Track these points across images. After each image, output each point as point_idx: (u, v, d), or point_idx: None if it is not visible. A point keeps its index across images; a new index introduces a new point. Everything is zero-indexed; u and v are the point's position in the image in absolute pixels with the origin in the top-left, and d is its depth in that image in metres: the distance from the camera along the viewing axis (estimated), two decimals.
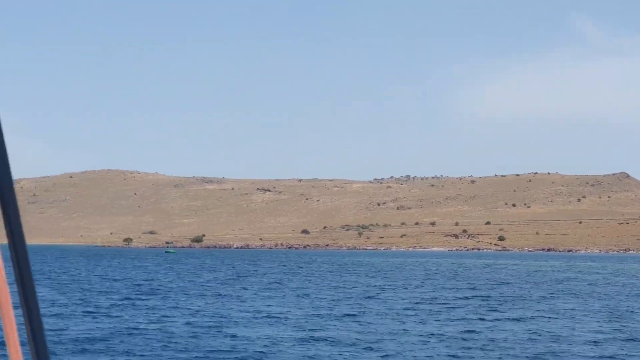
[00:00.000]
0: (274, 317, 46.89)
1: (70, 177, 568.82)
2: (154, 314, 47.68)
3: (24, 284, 2.12)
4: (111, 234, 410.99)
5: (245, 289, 71.61)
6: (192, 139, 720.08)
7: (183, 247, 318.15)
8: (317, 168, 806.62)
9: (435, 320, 46.36)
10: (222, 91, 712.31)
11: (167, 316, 46.52)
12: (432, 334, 39.83)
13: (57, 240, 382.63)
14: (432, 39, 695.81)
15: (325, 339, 37.52)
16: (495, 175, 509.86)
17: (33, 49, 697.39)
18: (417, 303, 58.04)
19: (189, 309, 51.23)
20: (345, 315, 48.41)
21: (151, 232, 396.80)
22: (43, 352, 2.18)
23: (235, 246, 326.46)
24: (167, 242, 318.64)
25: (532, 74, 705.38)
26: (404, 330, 41.43)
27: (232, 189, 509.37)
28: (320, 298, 61.93)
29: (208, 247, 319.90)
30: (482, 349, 35.10)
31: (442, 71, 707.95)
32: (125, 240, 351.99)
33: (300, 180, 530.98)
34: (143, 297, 60.24)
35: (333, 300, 59.95)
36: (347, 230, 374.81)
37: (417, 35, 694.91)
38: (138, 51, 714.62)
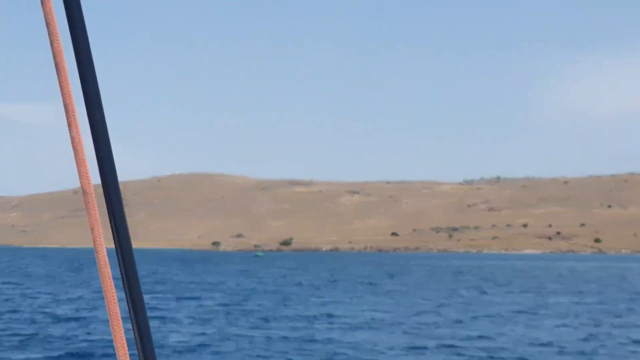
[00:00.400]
0: (378, 322, 44.55)
1: (158, 180, 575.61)
2: (253, 319, 45.91)
3: (130, 287, 2.16)
4: (199, 237, 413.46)
5: (345, 292, 69.42)
6: (279, 141, 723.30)
7: (272, 250, 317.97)
8: (406, 170, 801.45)
9: (550, 327, 43.43)
10: (309, 93, 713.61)
11: (267, 321, 44.75)
12: (548, 343, 36.86)
13: (145, 244, 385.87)
14: (522, 35, 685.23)
15: (436, 346, 35.01)
16: (589, 175, 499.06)
17: (120, 52, 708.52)
18: (526, 307, 55.25)
19: (289, 314, 49.21)
20: (454, 321, 45.76)
21: (239, 236, 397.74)
22: (150, 352, 2.20)
23: (324, 249, 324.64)
24: (256, 246, 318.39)
25: (627, 70, 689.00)
26: (519, 337, 38.62)
27: (321, 191, 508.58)
28: (423, 302, 59.20)
29: (297, 250, 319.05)
30: None
31: (534, 69, 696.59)
32: (214, 243, 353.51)
33: (388, 183, 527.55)
34: (240, 302, 58.59)
35: (437, 305, 57.15)
36: (437, 232, 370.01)
37: (505, 31, 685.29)
38: (223, 53, 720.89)
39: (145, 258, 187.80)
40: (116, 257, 2.20)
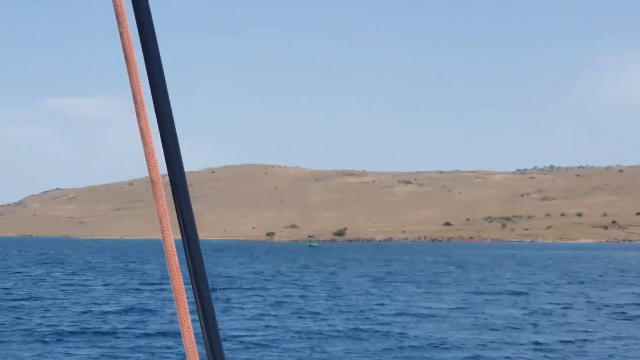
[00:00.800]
0: (447, 314, 43.61)
1: (213, 172, 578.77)
2: (316, 311, 45.23)
3: (197, 277, 2.18)
4: (253, 228, 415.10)
5: (412, 283, 68.31)
6: (333, 132, 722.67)
7: (325, 240, 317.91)
8: (458, 159, 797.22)
9: (634, 319, 41.87)
10: (362, 84, 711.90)
11: (331, 313, 43.93)
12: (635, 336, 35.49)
13: (200, 235, 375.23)
14: (577, 24, 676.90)
15: (522, 342, 33.49)
16: None
17: (175, 42, 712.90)
18: (606, 300, 53.34)
19: (356, 305, 48.31)
20: (529, 313, 44.34)
21: (293, 226, 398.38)
22: (216, 342, 2.19)
23: (377, 239, 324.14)
24: (310, 236, 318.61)
25: None
26: (604, 330, 37.16)
27: (373, 181, 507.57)
28: (496, 293, 57.93)
29: (350, 241, 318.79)
30: None
31: (589, 58, 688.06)
32: (268, 234, 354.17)
33: (441, 172, 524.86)
34: (304, 294, 57.91)
35: (510, 296, 55.53)
36: (491, 222, 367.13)
37: (559, 20, 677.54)
38: (277, 45, 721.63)
39: (203, 250, 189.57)
40: (182, 248, 2.22)
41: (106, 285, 65.14)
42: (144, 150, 2.15)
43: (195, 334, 2.17)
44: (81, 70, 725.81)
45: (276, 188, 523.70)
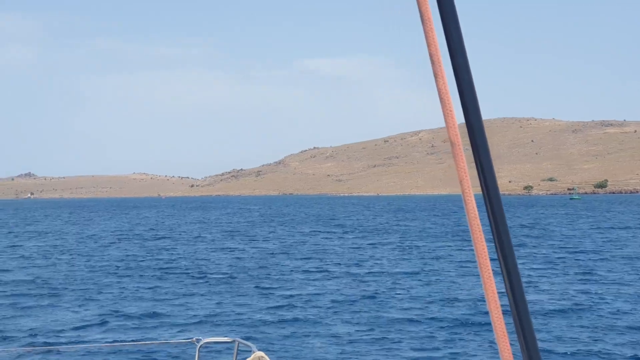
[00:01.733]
0: None
1: None
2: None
3: (500, 237, 2.08)
4: (510, 182, 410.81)
5: None
6: (589, 82, 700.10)
7: (586, 193, 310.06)
8: None
9: None
10: (619, 33, 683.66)
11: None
12: None
13: (455, 190, 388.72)
14: None
15: None
16: None
17: None
18: None
19: None
20: None
21: (550, 179, 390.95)
22: (523, 308, 2.07)
23: None
24: (570, 189, 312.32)
25: None
26: None
27: (635, 132, 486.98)
28: None
29: (612, 193, 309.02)
30: None
31: None
32: (526, 187, 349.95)
33: None
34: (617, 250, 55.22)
35: None
36: None
37: None
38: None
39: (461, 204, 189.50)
40: (484, 205, 2.14)
41: (386, 244, 66.52)
42: (443, 111, 2.10)
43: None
44: (335, 31, 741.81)
45: (532, 141, 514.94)
